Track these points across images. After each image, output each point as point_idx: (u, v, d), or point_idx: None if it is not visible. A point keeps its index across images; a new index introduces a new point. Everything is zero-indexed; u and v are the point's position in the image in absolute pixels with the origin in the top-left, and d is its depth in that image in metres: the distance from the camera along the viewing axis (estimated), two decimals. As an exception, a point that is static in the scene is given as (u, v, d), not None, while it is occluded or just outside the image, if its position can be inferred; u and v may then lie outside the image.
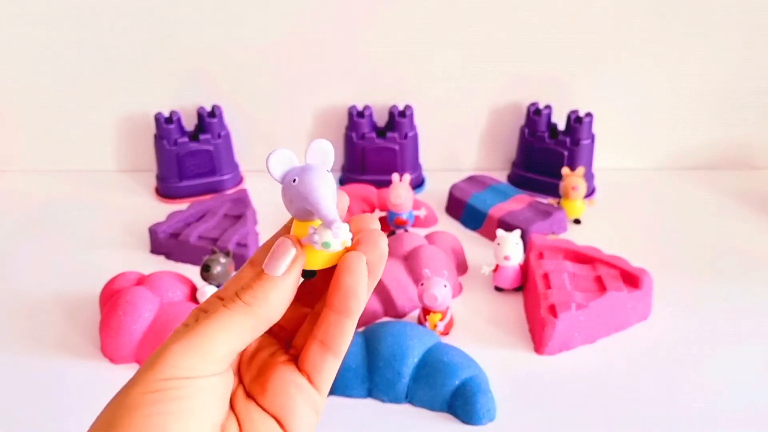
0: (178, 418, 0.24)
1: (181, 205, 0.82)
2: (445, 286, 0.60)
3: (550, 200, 0.81)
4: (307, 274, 0.27)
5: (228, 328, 0.25)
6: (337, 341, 0.27)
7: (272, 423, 0.27)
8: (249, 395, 0.27)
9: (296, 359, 0.28)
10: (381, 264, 0.27)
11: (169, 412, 0.24)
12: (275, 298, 0.26)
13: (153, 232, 0.75)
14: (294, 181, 0.26)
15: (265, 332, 0.29)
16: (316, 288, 0.29)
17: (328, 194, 0.26)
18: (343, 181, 0.90)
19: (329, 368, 0.27)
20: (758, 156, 0.93)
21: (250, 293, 0.26)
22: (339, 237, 0.26)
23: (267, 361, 0.28)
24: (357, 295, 0.26)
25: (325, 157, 0.27)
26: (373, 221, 0.28)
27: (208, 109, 0.88)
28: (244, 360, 0.29)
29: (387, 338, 0.55)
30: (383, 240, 0.27)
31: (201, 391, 0.25)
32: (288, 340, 0.29)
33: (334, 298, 0.26)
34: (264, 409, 0.27)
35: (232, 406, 0.27)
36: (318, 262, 0.27)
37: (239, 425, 0.26)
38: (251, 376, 0.28)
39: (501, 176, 0.90)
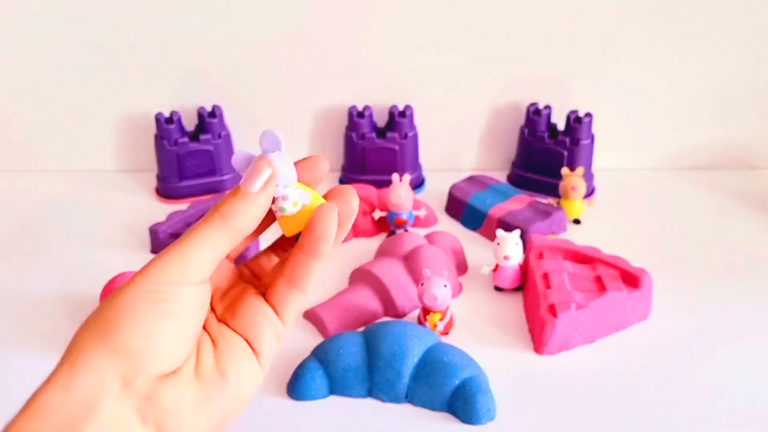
0: (167, 319, 0.28)
1: (182, 205, 0.82)
2: (445, 285, 0.60)
3: (549, 200, 0.81)
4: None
5: (207, 238, 0.29)
6: (303, 279, 0.31)
7: (241, 341, 0.31)
8: (221, 321, 0.32)
9: (264, 294, 0.32)
10: (350, 218, 0.32)
11: (159, 312, 0.28)
12: (248, 210, 0.30)
13: (153, 232, 0.75)
14: None
15: (240, 278, 0.34)
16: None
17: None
18: (343, 181, 0.90)
19: (294, 302, 0.31)
20: (758, 156, 0.93)
21: (226, 205, 0.30)
22: (288, 199, 0.31)
23: (238, 294, 0.32)
24: (326, 238, 0.30)
25: (275, 142, 0.31)
26: (349, 193, 0.32)
27: (209, 109, 0.88)
28: (217, 295, 0.32)
29: (387, 338, 0.55)
30: (354, 198, 0.32)
31: (186, 296, 0.28)
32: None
33: (306, 240, 0.30)
34: (234, 330, 0.31)
35: (205, 328, 0.31)
36: (290, 226, 0.32)
37: (213, 343, 0.30)
38: (223, 307, 0.32)
39: (501, 176, 0.90)
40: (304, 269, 0.31)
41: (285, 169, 0.30)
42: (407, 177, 0.75)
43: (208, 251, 0.29)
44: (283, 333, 0.32)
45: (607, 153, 0.90)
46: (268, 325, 0.31)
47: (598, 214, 0.81)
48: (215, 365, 0.30)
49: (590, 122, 0.84)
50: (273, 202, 0.31)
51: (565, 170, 0.79)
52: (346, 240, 0.78)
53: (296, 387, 0.55)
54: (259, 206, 0.30)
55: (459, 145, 0.93)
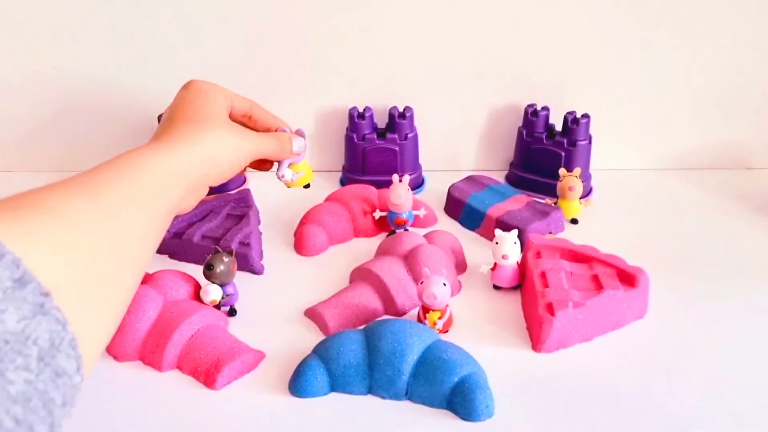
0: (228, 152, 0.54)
1: (184, 206, 0.83)
2: (444, 284, 0.60)
3: (546, 200, 0.81)
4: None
5: (266, 146, 0.57)
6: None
7: None
8: None
9: None
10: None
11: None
12: (287, 150, 0.59)
13: (156, 232, 0.75)
14: None
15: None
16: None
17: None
18: (343, 182, 0.91)
19: None
20: (757, 156, 0.94)
21: (284, 136, 0.60)
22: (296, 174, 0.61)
23: None
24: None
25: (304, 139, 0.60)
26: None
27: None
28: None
29: (387, 336, 0.56)
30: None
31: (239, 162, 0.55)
32: None
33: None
34: None
35: None
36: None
37: None
38: None
39: (499, 177, 0.90)
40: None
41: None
42: (407, 177, 0.76)
43: (261, 149, 0.56)
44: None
45: (604, 153, 0.90)
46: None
47: (596, 214, 0.82)
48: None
49: (587, 123, 0.85)
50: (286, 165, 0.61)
51: (562, 171, 0.80)
52: (346, 239, 0.79)
53: (297, 384, 0.56)
54: (289, 154, 0.60)
55: (458, 146, 0.94)
